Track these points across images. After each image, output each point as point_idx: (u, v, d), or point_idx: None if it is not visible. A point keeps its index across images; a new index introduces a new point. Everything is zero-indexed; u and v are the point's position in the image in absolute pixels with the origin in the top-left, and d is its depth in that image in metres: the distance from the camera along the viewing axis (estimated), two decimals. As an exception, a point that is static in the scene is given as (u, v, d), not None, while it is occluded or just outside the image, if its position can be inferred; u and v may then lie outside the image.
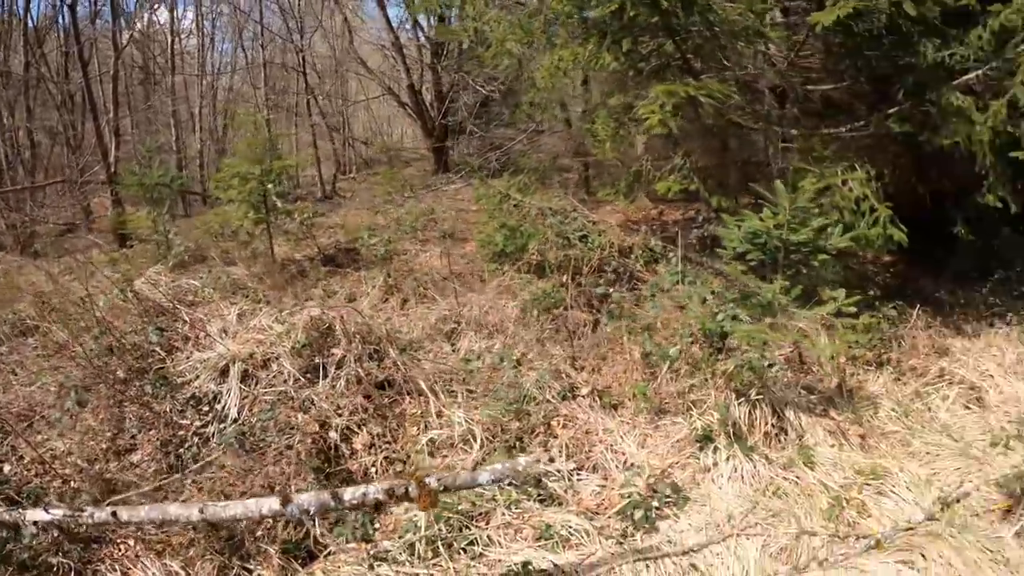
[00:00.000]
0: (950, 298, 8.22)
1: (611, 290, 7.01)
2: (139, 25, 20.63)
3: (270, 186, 8.76)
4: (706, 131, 7.55)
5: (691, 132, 7.60)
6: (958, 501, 4.97)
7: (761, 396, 5.30)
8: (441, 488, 3.63)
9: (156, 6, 20.68)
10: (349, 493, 3.70)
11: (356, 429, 5.33)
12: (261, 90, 19.80)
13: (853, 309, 4.96)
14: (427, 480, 3.60)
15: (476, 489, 4.46)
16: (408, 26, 16.94)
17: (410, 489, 3.58)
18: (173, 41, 20.36)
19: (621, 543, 4.41)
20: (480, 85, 14.49)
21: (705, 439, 5.13)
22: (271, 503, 3.71)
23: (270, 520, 4.29)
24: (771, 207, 4.90)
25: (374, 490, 3.69)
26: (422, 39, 16.54)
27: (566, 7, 6.41)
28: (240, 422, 5.28)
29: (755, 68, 7.71)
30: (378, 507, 4.36)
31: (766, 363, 5.30)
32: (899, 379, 6.62)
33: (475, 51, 12.50)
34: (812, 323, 5.61)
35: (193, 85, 20.15)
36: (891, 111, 7.15)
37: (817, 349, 5.18)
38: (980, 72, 6.79)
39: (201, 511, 3.78)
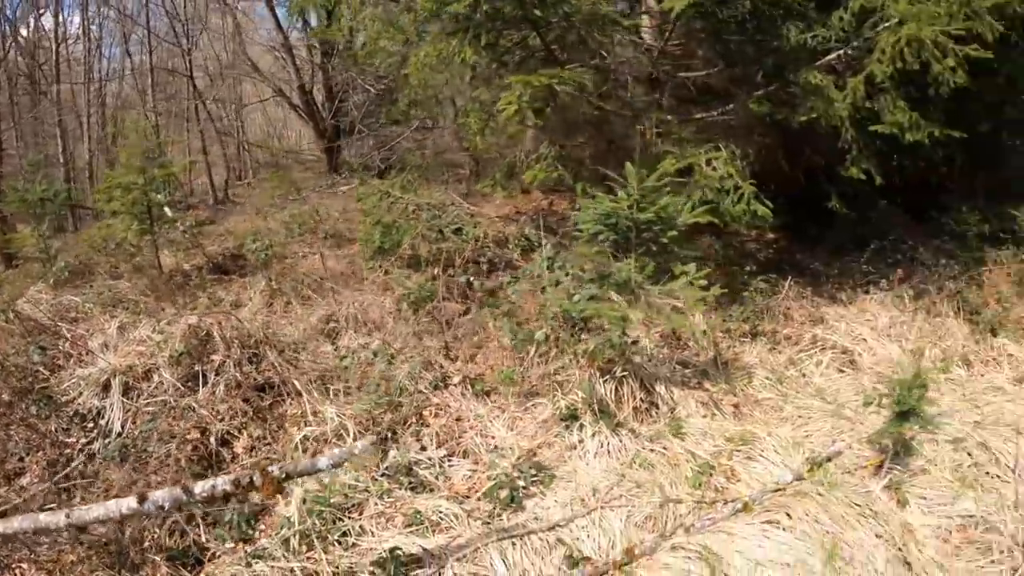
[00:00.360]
0: (826, 269, 8.66)
1: (473, 279, 7.13)
2: (24, 32, 19.92)
3: (155, 196, 8.63)
4: (575, 121, 7.76)
5: (556, 123, 7.79)
6: (829, 460, 5.24)
7: (627, 373, 5.46)
8: (283, 475, 3.69)
9: (42, 11, 19.99)
10: (199, 487, 3.74)
11: (237, 433, 5.36)
12: (149, 96, 19.40)
13: (704, 282, 5.18)
14: (269, 468, 3.68)
15: (346, 481, 4.67)
16: (299, 26, 16.83)
17: (254, 478, 3.65)
18: (59, 47, 19.73)
19: (488, 524, 4.51)
20: (369, 84, 14.49)
21: (570, 418, 5.25)
22: (129, 502, 3.72)
23: (156, 530, 4.38)
24: (624, 189, 5.10)
25: (222, 482, 3.73)
26: (313, 39, 16.48)
27: (429, 4, 6.52)
28: (123, 435, 5.28)
29: (630, 57, 7.97)
30: (227, 498, 4.31)
31: (628, 340, 5.49)
32: (774, 348, 6.92)
33: (351, 50, 12.55)
34: (685, 299, 5.85)
35: (81, 93, 19.57)
36: (758, 93, 7.44)
37: (673, 323, 5.40)
38: (842, 52, 7.16)
39: (67, 515, 3.80)
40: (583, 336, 5.68)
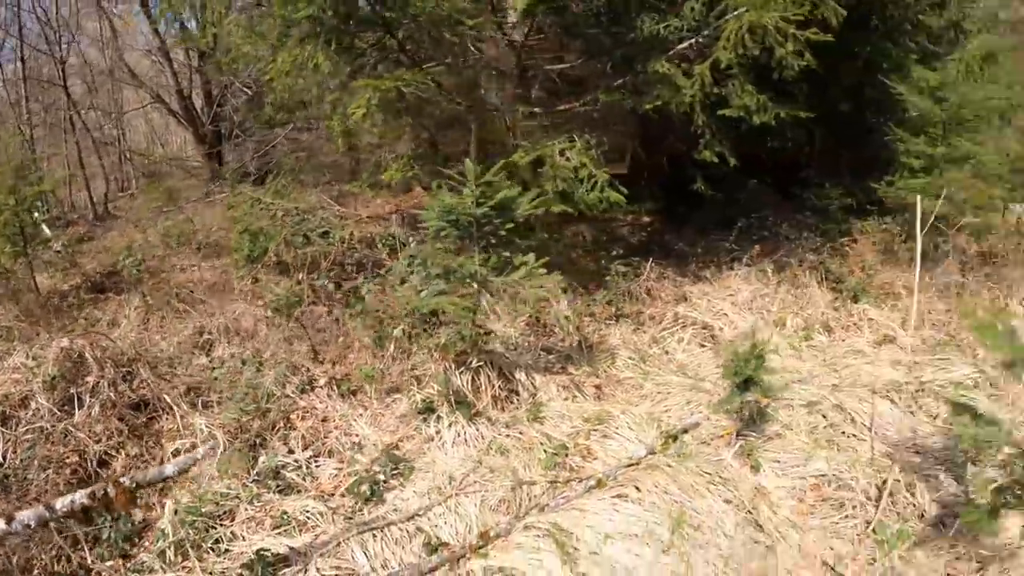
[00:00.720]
0: (692, 249, 9.15)
1: (331, 283, 7.33)
2: None
3: (28, 216, 8.45)
4: (443, 119, 8.03)
5: (429, 122, 8.03)
6: (685, 432, 5.60)
7: (482, 363, 5.75)
8: (133, 485, 3.91)
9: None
10: (60, 502, 3.94)
11: (115, 452, 5.39)
12: (23, 108, 18.82)
13: (543, 271, 5.50)
14: (121, 480, 3.89)
15: (215, 489, 4.86)
16: (176, 29, 16.57)
17: (108, 490, 3.86)
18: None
19: (351, 518, 4.71)
20: (247, 87, 14.45)
21: (428, 410, 5.48)
22: (-1, 523, 3.91)
23: (44, 556, 4.36)
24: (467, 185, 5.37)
25: (80, 496, 3.93)
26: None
27: (283, 10, 6.65)
28: (4, 465, 5.32)
29: (496, 53, 8.23)
30: (87, 512, 4.46)
31: (481, 331, 5.79)
32: (639, 328, 7.31)
33: (215, 57, 12.53)
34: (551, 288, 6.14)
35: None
36: (617, 83, 7.75)
37: (523, 312, 5.71)
38: (693, 41, 7.50)
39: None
40: (438, 330, 5.97)
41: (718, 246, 9.17)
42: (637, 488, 4.80)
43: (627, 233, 10.02)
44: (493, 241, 5.41)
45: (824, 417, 5.79)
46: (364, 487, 4.92)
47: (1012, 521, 4.39)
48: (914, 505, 4.91)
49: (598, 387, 6.28)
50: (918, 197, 5.17)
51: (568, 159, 6.97)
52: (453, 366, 5.70)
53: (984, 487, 4.13)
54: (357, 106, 6.46)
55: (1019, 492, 4.03)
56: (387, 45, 7.13)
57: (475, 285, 5.51)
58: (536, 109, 8.00)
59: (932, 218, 7.75)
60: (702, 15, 7.42)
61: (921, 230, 7.18)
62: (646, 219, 10.41)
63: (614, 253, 8.19)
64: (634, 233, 10.02)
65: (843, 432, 5.65)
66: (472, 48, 7.85)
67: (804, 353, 7.06)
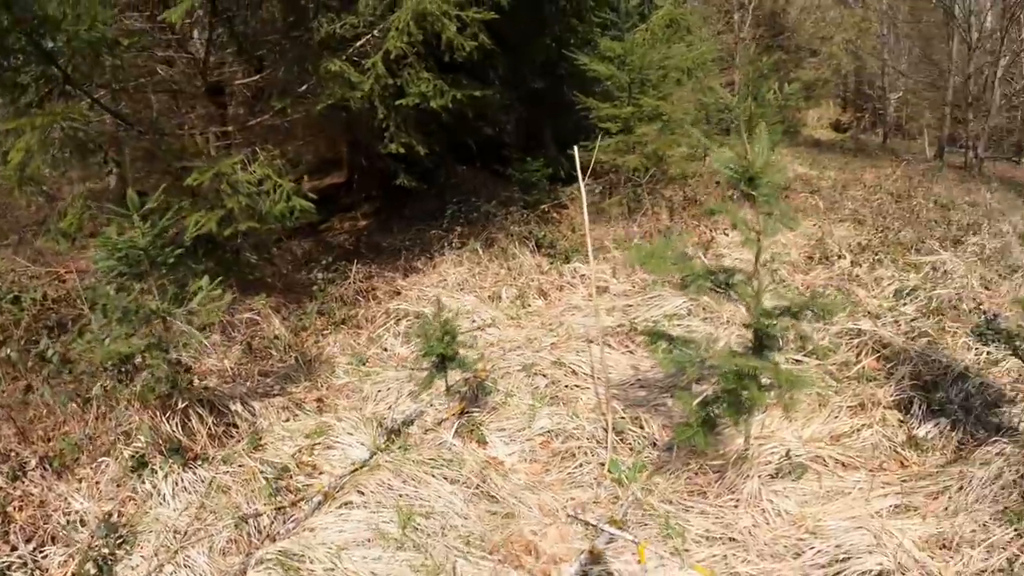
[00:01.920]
0: (403, 243, 9.48)
1: (14, 353, 6.85)
2: None
3: None
4: (124, 153, 7.79)
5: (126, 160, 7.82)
6: (409, 423, 5.81)
7: (188, 402, 5.67)
8: None
9: None
10: None
11: None
12: None
13: (219, 291, 5.46)
14: None
15: None
16: None
17: None
18: None
19: (82, 604, 4.44)
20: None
21: (140, 466, 5.27)
22: None
23: None
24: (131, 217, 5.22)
25: None
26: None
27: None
28: None
29: (178, 73, 8.04)
30: None
31: (180, 369, 5.63)
32: (356, 332, 7.46)
33: None
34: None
35: None
36: (302, 90, 7.88)
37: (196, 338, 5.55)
38: (370, 36, 7.70)
39: None
40: (135, 379, 5.76)
41: (429, 235, 9.54)
42: (361, 492, 4.90)
43: (343, 240, 10.19)
44: (164, 271, 5.33)
45: (544, 376, 6.20)
46: (89, 567, 4.70)
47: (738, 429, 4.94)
48: (644, 437, 5.39)
49: (320, 400, 6.34)
50: (575, 147, 5.59)
51: (252, 172, 6.95)
52: (159, 413, 5.55)
53: (689, 403, 4.57)
54: (18, 149, 6.11)
55: (726, 401, 4.46)
56: (52, 76, 6.77)
57: (159, 321, 5.39)
58: (229, 128, 7.90)
59: (632, 173, 8.48)
60: (376, 11, 7.60)
61: (623, 185, 7.84)
62: (363, 222, 10.64)
63: (324, 262, 8.32)
64: (349, 238, 10.21)
65: (566, 386, 6.06)
66: (159, 70, 7.65)
67: (523, 320, 7.50)
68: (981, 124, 16.17)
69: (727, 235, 9.20)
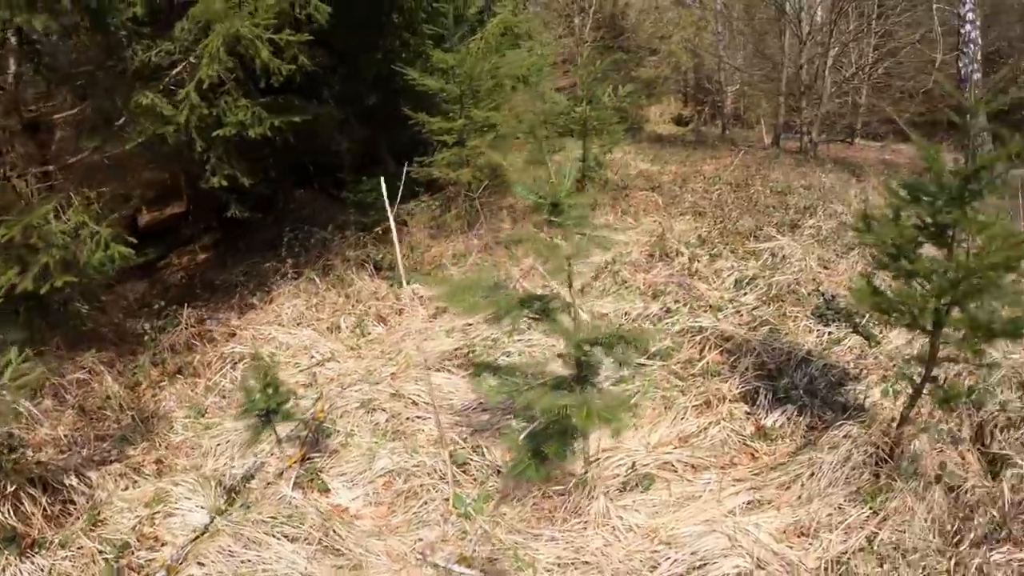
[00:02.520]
0: (238, 278, 8.96)
1: None
2: None
3: None
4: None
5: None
6: (250, 479, 5.39)
7: (17, 485, 5.08)
8: None
9: None
10: None
11: None
12: None
13: (22, 360, 4.95)
14: None
15: None
16: None
17: None
18: None
19: None
20: None
21: None
22: None
23: None
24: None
25: None
26: None
27: None
28: None
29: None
30: None
31: (3, 449, 5.09)
32: (194, 382, 6.95)
33: None
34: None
35: None
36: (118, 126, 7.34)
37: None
38: (186, 63, 7.23)
39: None
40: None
41: (265, 267, 9.07)
42: (201, 563, 4.52)
43: (180, 278, 9.58)
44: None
45: (384, 411, 5.89)
46: None
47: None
48: (488, 465, 5.15)
49: (159, 462, 5.87)
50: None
51: (67, 220, 6.39)
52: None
53: (514, 440, 4.33)
54: None
55: (552, 433, 4.23)
56: None
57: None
58: (50, 167, 7.31)
59: (468, 187, 8.25)
60: (191, 34, 7.17)
61: (462, 198, 7.58)
62: (202, 256, 10.09)
63: (156, 306, 7.75)
64: (185, 276, 9.61)
65: (407, 418, 5.77)
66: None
67: (363, 350, 7.16)
68: (814, 111, 16.75)
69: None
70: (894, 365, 5.55)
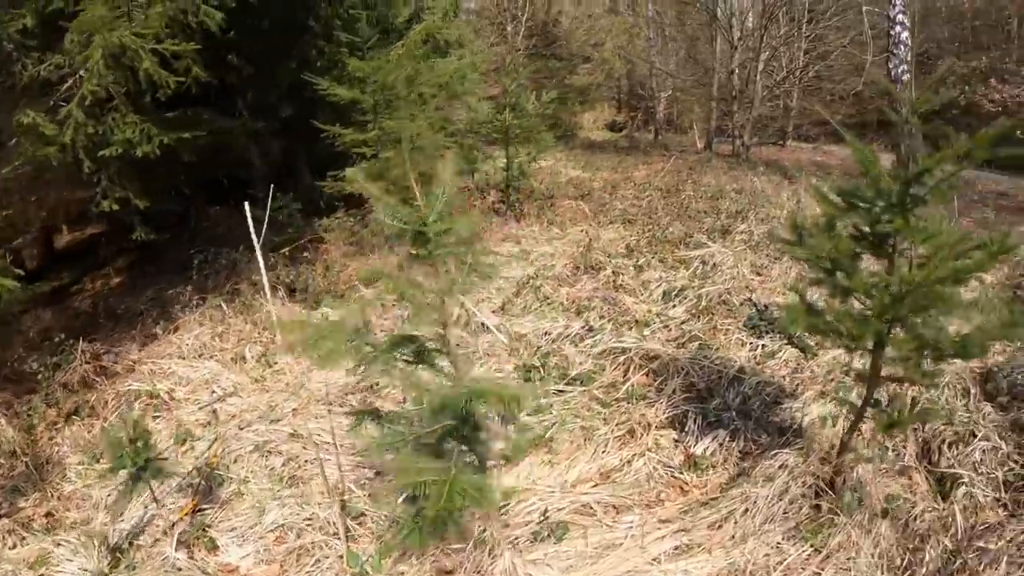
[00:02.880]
0: (142, 305, 8.23)
1: None
2: None
3: None
4: None
5: None
6: (139, 534, 4.71)
7: None
8: None
9: None
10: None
11: None
12: None
13: None
14: None
15: None
16: None
17: None
18: None
19: None
20: None
21: None
22: None
23: None
24: None
25: None
26: None
27: None
28: None
29: None
30: None
31: None
32: (91, 424, 6.22)
33: None
34: None
35: None
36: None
37: None
38: (76, 77, 6.55)
39: None
40: None
41: (169, 294, 8.30)
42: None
43: (88, 306, 8.78)
44: None
45: (281, 454, 5.22)
46: None
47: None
48: (387, 516, 4.48)
49: (49, 515, 5.18)
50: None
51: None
52: None
53: (392, 506, 3.71)
54: None
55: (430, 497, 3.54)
56: None
57: None
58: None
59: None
60: (78, 48, 6.45)
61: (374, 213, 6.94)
62: (116, 280, 9.30)
63: (56, 340, 6.99)
64: (93, 304, 8.80)
65: (305, 461, 5.12)
66: None
67: (269, 382, 6.44)
68: (746, 114, 16.74)
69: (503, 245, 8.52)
70: (832, 380, 5.09)
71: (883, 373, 3.68)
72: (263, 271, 4.99)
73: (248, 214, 4.76)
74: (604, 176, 12.80)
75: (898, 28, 13.34)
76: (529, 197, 10.33)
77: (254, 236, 4.85)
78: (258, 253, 4.97)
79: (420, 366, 3.40)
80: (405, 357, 3.36)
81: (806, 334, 5.34)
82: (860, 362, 4.83)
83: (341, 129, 8.62)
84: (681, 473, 4.49)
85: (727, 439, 4.66)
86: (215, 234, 9.22)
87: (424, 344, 3.37)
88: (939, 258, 3.02)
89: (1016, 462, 4.19)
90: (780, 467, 4.17)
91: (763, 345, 5.70)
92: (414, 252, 3.01)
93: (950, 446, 4.33)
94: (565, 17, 23.72)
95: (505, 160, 9.84)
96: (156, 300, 8.19)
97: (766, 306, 6.23)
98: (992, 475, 4.15)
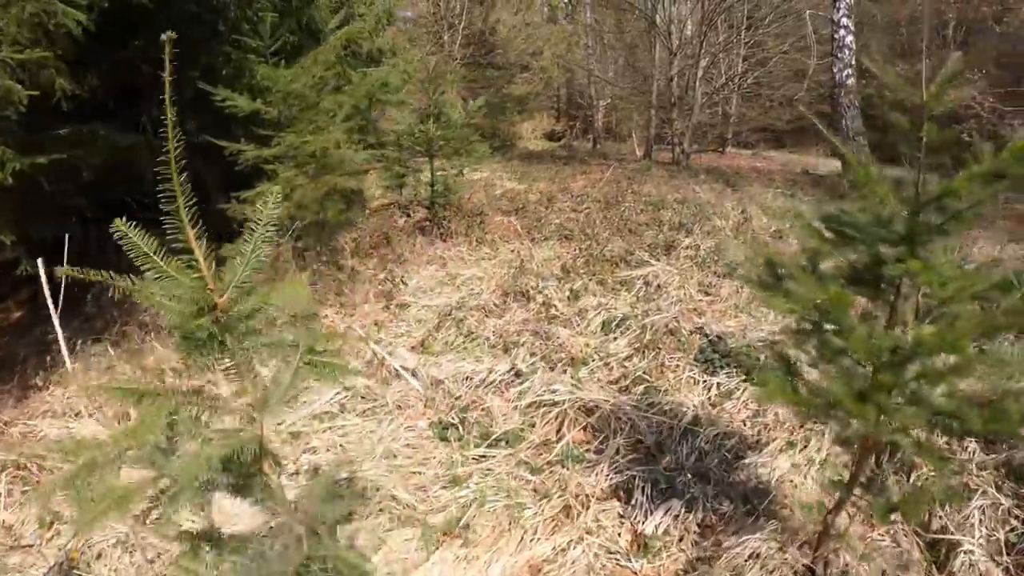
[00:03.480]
0: (26, 347, 6.93)
1: None
2: None
3: None
4: None
5: None
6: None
7: None
8: None
9: None
10: None
11: None
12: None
13: None
14: None
15: None
16: None
17: None
18: None
19: None
20: None
21: None
22: None
23: None
24: None
25: None
26: None
27: None
28: None
29: None
30: None
31: None
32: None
33: None
34: None
35: None
36: None
37: None
38: None
39: None
40: None
41: (53, 336, 6.92)
42: None
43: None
44: None
45: (153, 546, 4.10)
46: None
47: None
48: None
49: None
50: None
51: None
52: None
53: None
54: None
55: None
56: None
57: None
58: None
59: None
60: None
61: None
62: (16, 315, 8.01)
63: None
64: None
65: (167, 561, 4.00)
66: None
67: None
68: (685, 121, 16.28)
69: (418, 274, 7.52)
70: (801, 427, 4.20)
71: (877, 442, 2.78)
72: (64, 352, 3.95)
73: (43, 278, 3.73)
74: (541, 188, 11.86)
75: (842, 32, 12.83)
76: (458, 214, 9.36)
77: (51, 306, 3.84)
78: (58, 328, 3.97)
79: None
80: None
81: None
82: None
83: (243, 145, 7.50)
84: (629, 560, 3.53)
85: (682, 510, 3.74)
86: (117, 261, 8.00)
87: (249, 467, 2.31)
88: (960, 305, 2.14)
89: (1016, 517, 3.46)
90: (750, 556, 3.27)
91: (718, 383, 4.85)
92: (187, 349, 1.96)
93: (942, 504, 3.50)
94: (503, 26, 22.89)
95: (430, 175, 8.85)
96: (40, 342, 6.90)
97: (719, 336, 5.37)
98: (993, 536, 3.39)
